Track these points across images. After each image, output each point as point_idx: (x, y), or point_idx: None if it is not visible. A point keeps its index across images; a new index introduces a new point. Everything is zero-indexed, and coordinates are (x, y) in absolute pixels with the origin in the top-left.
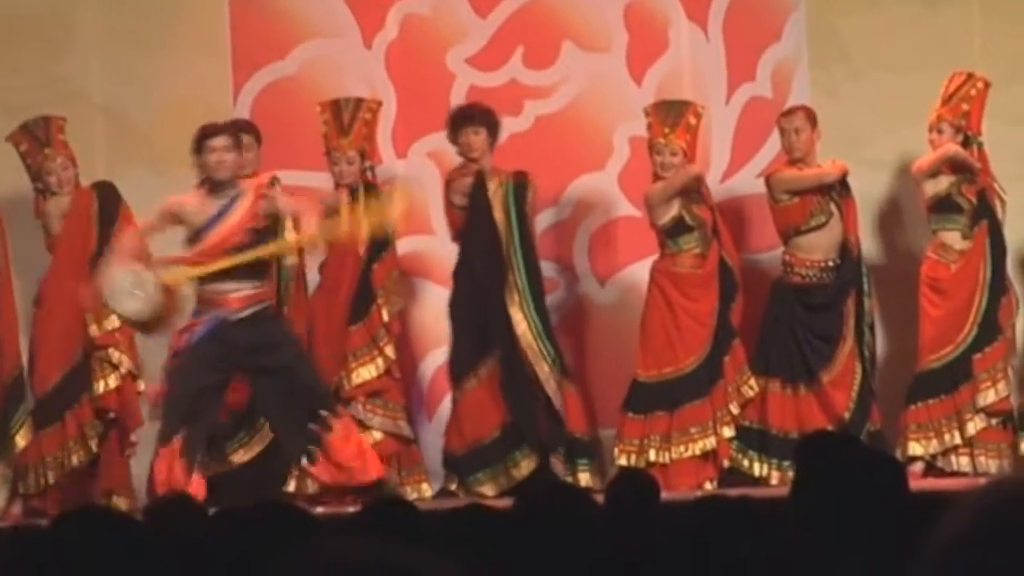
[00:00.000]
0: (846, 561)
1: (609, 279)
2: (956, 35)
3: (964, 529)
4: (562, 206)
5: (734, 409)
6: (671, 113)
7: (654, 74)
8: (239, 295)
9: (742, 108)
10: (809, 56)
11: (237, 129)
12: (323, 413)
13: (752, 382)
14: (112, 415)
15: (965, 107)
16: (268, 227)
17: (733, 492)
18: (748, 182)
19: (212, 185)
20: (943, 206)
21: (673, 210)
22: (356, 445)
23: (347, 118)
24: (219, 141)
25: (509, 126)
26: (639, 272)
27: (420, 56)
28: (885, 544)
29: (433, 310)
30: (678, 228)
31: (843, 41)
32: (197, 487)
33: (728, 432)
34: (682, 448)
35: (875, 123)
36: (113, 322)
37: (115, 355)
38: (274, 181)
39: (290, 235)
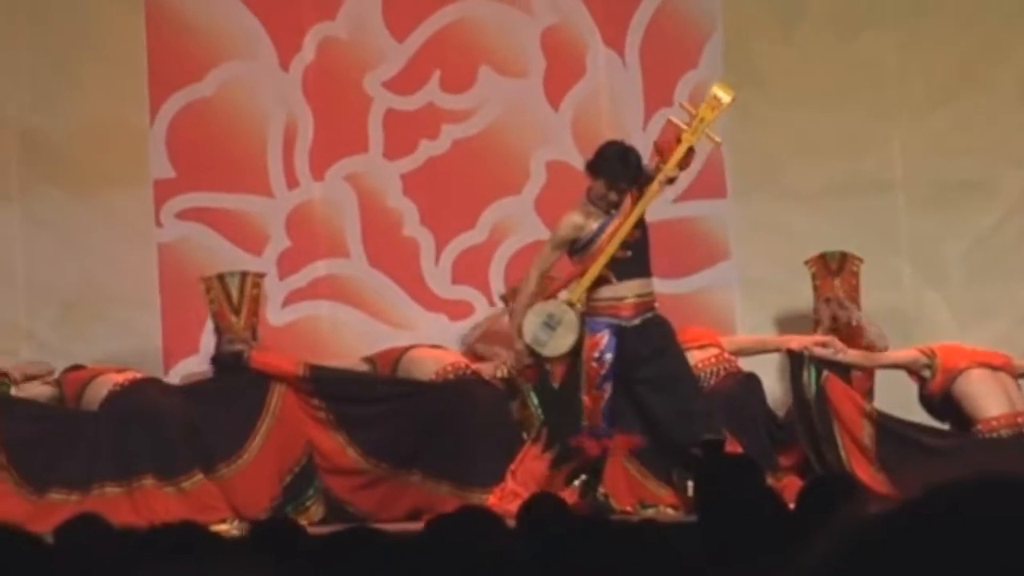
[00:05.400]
0: None
1: None
2: (872, 65)
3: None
4: (478, 230)
5: None
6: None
7: (571, 99)
8: (630, 302)
9: (659, 133)
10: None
11: None
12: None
13: None
14: None
15: (853, 281)
16: (643, 237)
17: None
18: (667, 207)
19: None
20: None
21: None
22: None
23: None
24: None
25: (426, 150)
26: None
27: (337, 79)
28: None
29: (354, 331)
30: None
31: (759, 67)
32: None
33: None
34: None
35: (790, 150)
36: None
37: None
38: None
39: None
